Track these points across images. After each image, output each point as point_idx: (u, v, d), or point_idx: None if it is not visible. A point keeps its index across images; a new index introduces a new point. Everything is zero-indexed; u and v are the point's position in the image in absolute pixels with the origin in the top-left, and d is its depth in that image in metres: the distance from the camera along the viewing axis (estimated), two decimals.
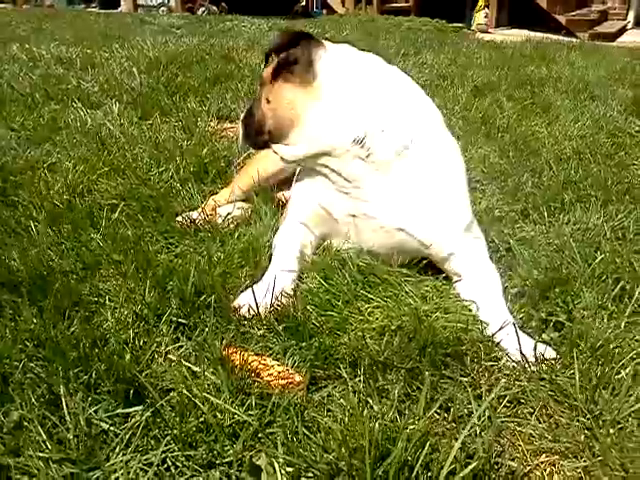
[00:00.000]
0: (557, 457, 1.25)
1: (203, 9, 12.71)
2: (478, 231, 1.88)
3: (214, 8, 12.78)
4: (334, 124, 1.75)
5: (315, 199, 1.90)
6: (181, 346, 1.52)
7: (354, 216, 1.84)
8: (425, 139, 1.78)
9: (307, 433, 1.23)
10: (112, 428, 1.23)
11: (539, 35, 8.71)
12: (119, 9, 13.78)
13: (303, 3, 13.88)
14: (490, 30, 10.35)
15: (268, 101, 1.86)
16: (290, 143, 1.84)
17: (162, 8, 13.07)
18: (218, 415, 1.26)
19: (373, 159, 1.75)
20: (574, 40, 8.59)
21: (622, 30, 10.17)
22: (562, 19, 9.80)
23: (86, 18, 10.40)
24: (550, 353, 1.50)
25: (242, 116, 2.02)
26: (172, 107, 3.80)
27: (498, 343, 1.56)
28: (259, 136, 1.93)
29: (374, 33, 8.42)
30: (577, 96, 4.46)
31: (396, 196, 1.77)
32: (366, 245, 1.86)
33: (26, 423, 1.23)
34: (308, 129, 1.78)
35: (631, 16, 10.76)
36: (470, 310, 1.71)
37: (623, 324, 1.61)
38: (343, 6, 11.65)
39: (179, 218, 2.22)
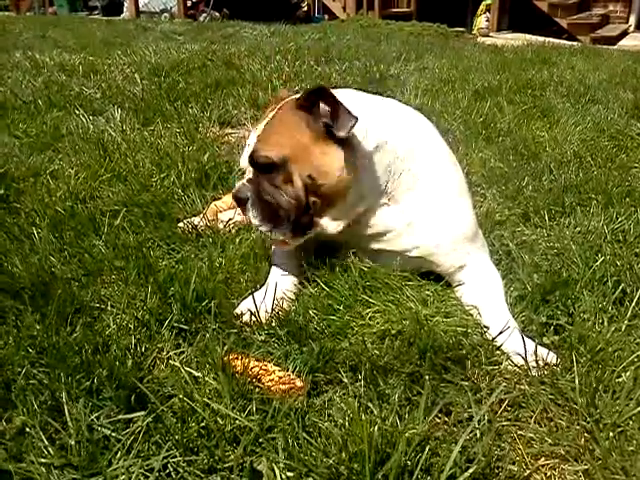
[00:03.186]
0: (557, 460, 1.25)
1: (205, 15, 12.76)
2: (482, 240, 1.91)
3: (216, 14, 12.84)
4: (373, 186, 1.76)
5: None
6: (182, 352, 1.53)
7: (371, 249, 1.85)
8: (432, 171, 1.81)
9: (308, 438, 1.23)
10: (114, 434, 1.24)
11: (540, 39, 8.72)
12: (122, 16, 13.85)
13: (305, 8, 13.94)
14: (491, 34, 10.36)
15: (311, 177, 1.68)
16: (335, 214, 1.76)
17: (164, 14, 13.13)
18: (219, 420, 1.26)
19: (392, 201, 1.79)
20: (575, 44, 8.61)
21: (624, 34, 10.17)
22: (563, 23, 9.80)
23: (89, 25, 10.45)
24: (552, 357, 1.50)
25: (254, 214, 1.74)
26: (174, 113, 3.82)
27: (499, 347, 1.56)
28: (303, 217, 1.74)
29: (375, 38, 8.44)
30: (578, 100, 4.46)
31: (410, 227, 1.79)
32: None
33: (28, 429, 1.24)
34: (353, 196, 1.74)
35: (633, 20, 10.76)
36: (471, 314, 1.72)
37: (624, 327, 1.61)
38: (344, 11, 11.68)
39: (181, 224, 2.23)
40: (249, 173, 1.79)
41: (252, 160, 1.74)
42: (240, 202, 1.78)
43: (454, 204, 1.83)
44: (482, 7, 10.87)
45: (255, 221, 1.74)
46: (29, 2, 14.98)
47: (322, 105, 1.67)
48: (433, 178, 1.80)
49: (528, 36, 9.43)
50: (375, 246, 1.84)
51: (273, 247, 1.94)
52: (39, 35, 8.36)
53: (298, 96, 1.76)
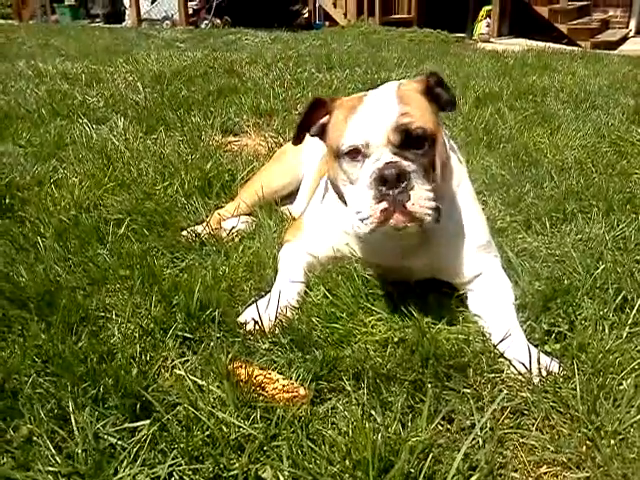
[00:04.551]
0: (559, 468, 1.26)
1: (206, 22, 12.82)
2: (494, 247, 1.90)
3: (217, 21, 12.90)
4: None
5: (331, 241, 1.90)
6: (187, 360, 1.54)
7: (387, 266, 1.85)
8: (451, 179, 1.80)
9: (312, 446, 1.24)
10: (120, 442, 1.25)
11: (541, 44, 8.75)
12: (123, 23, 13.92)
13: (306, 15, 13.99)
14: (492, 39, 10.39)
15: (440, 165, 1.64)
16: None
17: (166, 22, 13.19)
18: (224, 429, 1.28)
19: None
20: (576, 49, 8.63)
21: (624, 38, 10.20)
22: (563, 28, 9.83)
23: (91, 33, 10.50)
24: (553, 365, 1.50)
25: (420, 193, 1.51)
26: (176, 121, 3.84)
27: (502, 354, 1.57)
28: None
29: (376, 45, 8.48)
30: (579, 105, 4.48)
31: (430, 245, 1.77)
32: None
33: (35, 438, 1.26)
34: None
35: (633, 24, 10.79)
36: (473, 322, 1.73)
37: (624, 334, 1.62)
38: (345, 17, 11.73)
39: (184, 232, 2.25)
40: (381, 151, 1.55)
41: (403, 132, 1.54)
42: (395, 179, 1.49)
43: (471, 212, 1.83)
44: (483, 13, 10.90)
45: (422, 203, 1.50)
46: (31, 10, 15.05)
47: (440, 91, 1.69)
48: (452, 186, 1.80)
49: (529, 41, 9.47)
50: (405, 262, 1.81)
51: (280, 254, 1.96)
52: (42, 43, 8.41)
53: (418, 80, 1.73)
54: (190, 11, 12.97)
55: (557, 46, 8.92)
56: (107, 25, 13.46)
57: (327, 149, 1.78)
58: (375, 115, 1.59)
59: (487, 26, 10.80)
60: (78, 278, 1.91)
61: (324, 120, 1.77)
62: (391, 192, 1.49)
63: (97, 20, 14.76)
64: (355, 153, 1.58)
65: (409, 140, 1.55)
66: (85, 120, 3.73)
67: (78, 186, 2.64)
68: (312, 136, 1.83)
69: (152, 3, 14.12)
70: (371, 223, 1.52)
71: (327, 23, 12.67)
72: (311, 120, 1.78)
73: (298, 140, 1.84)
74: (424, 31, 10.37)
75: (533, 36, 10.03)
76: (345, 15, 11.78)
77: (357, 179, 1.58)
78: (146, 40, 8.84)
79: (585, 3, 10.68)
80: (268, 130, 3.78)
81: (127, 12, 14.05)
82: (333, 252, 1.91)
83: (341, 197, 1.72)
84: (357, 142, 1.57)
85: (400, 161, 1.52)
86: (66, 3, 14.97)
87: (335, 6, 11.97)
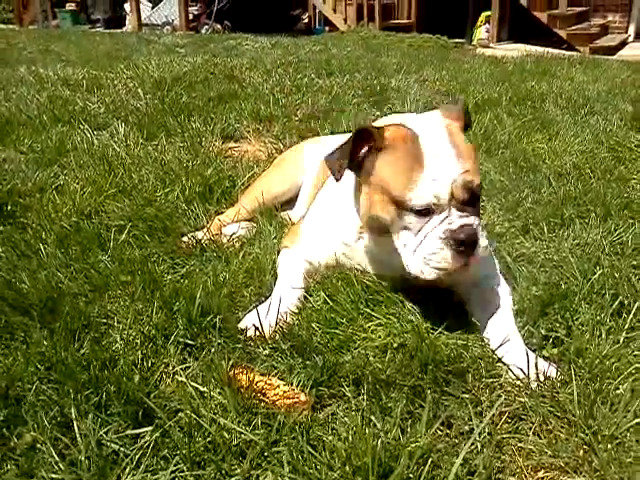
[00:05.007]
0: (557, 472, 1.27)
1: (207, 27, 12.87)
2: (493, 254, 1.92)
3: (218, 26, 12.95)
4: None
5: (329, 251, 1.93)
6: (188, 367, 1.55)
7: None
8: None
9: (312, 452, 1.26)
10: (122, 449, 1.27)
11: (540, 50, 8.77)
12: (124, 28, 13.96)
13: (306, 20, 14.04)
14: (491, 45, 10.43)
15: None
16: None
17: (166, 27, 13.24)
18: (225, 435, 1.29)
19: None
20: (575, 54, 8.65)
21: (623, 43, 10.22)
22: (562, 33, 9.85)
23: (92, 38, 10.54)
24: (551, 370, 1.52)
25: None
26: (177, 127, 3.86)
27: (500, 359, 1.59)
28: None
29: (376, 50, 8.51)
30: (577, 111, 4.50)
31: None
32: None
33: (39, 445, 1.27)
34: None
35: (632, 29, 10.81)
36: (472, 327, 1.74)
37: (621, 339, 1.63)
38: (345, 23, 11.77)
39: (185, 238, 2.27)
40: (448, 208, 1.62)
41: (469, 191, 1.63)
42: (469, 245, 1.61)
43: None
44: (482, 18, 10.94)
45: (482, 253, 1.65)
46: (32, 15, 15.09)
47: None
48: None
49: (528, 47, 9.49)
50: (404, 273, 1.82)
51: (279, 259, 1.97)
52: (42, 49, 8.43)
53: (457, 116, 1.77)
54: (190, 16, 13.01)
55: (556, 51, 8.95)
56: (108, 30, 13.51)
57: (370, 185, 1.72)
58: (443, 170, 1.61)
59: (486, 32, 10.83)
60: (80, 285, 1.92)
61: (363, 153, 1.71)
62: (465, 251, 1.61)
63: (98, 25, 14.81)
64: (424, 210, 1.62)
65: (471, 198, 1.64)
66: (86, 126, 3.74)
67: (79, 192, 2.66)
68: (352, 171, 1.76)
69: (153, 8, 14.18)
70: (443, 274, 1.64)
71: (327, 28, 12.72)
72: (355, 154, 1.71)
73: (340, 176, 1.71)
74: (423, 36, 10.41)
75: (532, 41, 10.05)
76: (345, 20, 11.82)
77: (421, 231, 1.64)
78: (147, 45, 8.87)
79: (584, 8, 10.71)
80: (268, 136, 3.80)
81: (128, 17, 14.10)
82: (331, 261, 1.94)
83: (379, 230, 1.74)
84: (429, 200, 1.60)
85: (473, 223, 1.62)
86: (67, 8, 15.01)
87: (335, 11, 12.01)
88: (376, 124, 1.82)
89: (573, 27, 10.05)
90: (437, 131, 1.68)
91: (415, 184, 1.60)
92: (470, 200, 1.64)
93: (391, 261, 1.78)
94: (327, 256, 1.94)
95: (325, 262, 1.95)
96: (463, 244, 1.60)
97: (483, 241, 1.64)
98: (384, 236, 1.74)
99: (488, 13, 10.69)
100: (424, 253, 1.63)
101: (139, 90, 4.85)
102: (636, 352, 1.59)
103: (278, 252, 2.04)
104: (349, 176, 1.79)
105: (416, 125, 1.70)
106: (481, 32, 10.88)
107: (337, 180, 1.73)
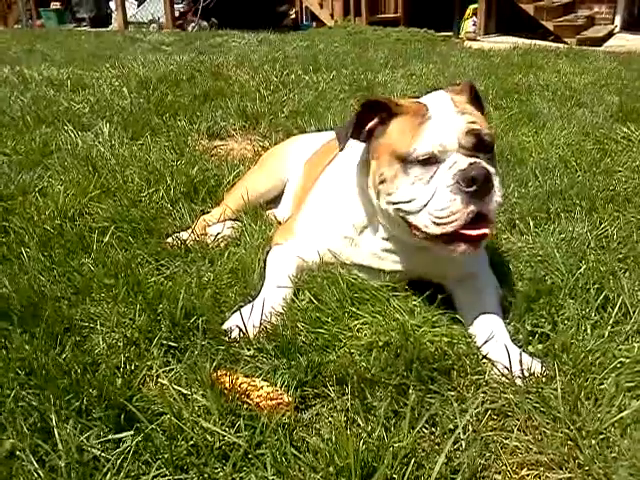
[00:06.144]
0: (542, 469, 1.27)
1: (193, 25, 12.79)
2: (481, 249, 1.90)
3: (204, 23, 12.87)
4: None
5: (326, 245, 1.91)
6: (172, 369, 1.54)
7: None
8: None
9: (295, 453, 1.25)
10: (103, 454, 1.25)
11: (527, 42, 8.77)
12: (110, 27, 13.86)
13: (293, 16, 13.99)
14: (478, 38, 10.42)
15: None
16: None
17: (153, 25, 13.14)
18: (208, 438, 1.28)
19: None
20: (561, 46, 8.66)
21: (609, 34, 10.25)
22: (549, 25, 9.86)
23: (77, 37, 10.46)
24: (536, 366, 1.52)
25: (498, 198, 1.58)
26: (162, 126, 3.83)
27: (485, 356, 1.59)
28: None
29: (363, 45, 8.49)
30: (564, 103, 4.50)
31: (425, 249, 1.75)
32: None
33: (18, 452, 1.25)
34: None
35: (618, 20, 10.85)
36: (457, 323, 1.73)
37: (606, 333, 1.63)
38: (332, 18, 11.72)
39: (169, 239, 2.25)
40: (456, 156, 1.58)
41: (476, 136, 1.59)
42: (483, 179, 1.53)
43: None
44: (469, 11, 10.93)
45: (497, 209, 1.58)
46: (16, 15, 14.96)
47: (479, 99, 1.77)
48: None
49: (515, 39, 9.49)
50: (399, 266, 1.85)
51: (268, 259, 1.96)
52: (27, 49, 8.36)
53: (463, 89, 1.77)
54: (177, 14, 12.93)
55: (543, 43, 8.96)
56: (93, 29, 13.39)
57: (380, 153, 1.70)
58: (447, 121, 1.60)
59: (473, 24, 10.82)
60: (62, 288, 1.90)
61: (374, 123, 1.72)
62: (477, 194, 1.52)
63: (83, 24, 14.68)
64: (429, 159, 1.59)
65: (480, 144, 1.60)
66: (70, 127, 3.70)
67: (63, 194, 2.63)
68: (361, 141, 1.77)
69: (138, 6, 14.07)
70: (452, 225, 1.55)
71: (315, 24, 12.67)
72: (363, 123, 1.73)
73: (344, 144, 1.73)
74: (411, 30, 10.37)
75: (519, 33, 10.06)
76: (332, 15, 11.77)
77: (430, 183, 1.58)
78: (132, 44, 8.81)
79: (570, 0, 10.72)
80: (254, 134, 3.78)
81: (113, 15, 13.99)
82: (328, 257, 1.91)
83: (381, 199, 1.70)
84: (434, 149, 1.58)
85: (484, 165, 1.55)
86: (52, 7, 14.88)
87: (322, 6, 11.96)
88: None
89: (560, 19, 10.06)
90: (442, 99, 1.70)
91: (419, 136, 1.60)
92: (479, 145, 1.59)
93: (382, 251, 1.79)
94: (324, 251, 1.91)
95: (321, 258, 1.91)
96: (474, 182, 1.52)
97: (498, 194, 1.56)
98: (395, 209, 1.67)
99: (475, 6, 10.69)
100: (433, 208, 1.57)
101: (124, 89, 4.81)
102: (621, 346, 1.59)
103: (269, 249, 2.02)
104: (352, 169, 1.83)
105: (424, 99, 1.73)
106: (468, 25, 10.87)
107: (340, 150, 1.76)
